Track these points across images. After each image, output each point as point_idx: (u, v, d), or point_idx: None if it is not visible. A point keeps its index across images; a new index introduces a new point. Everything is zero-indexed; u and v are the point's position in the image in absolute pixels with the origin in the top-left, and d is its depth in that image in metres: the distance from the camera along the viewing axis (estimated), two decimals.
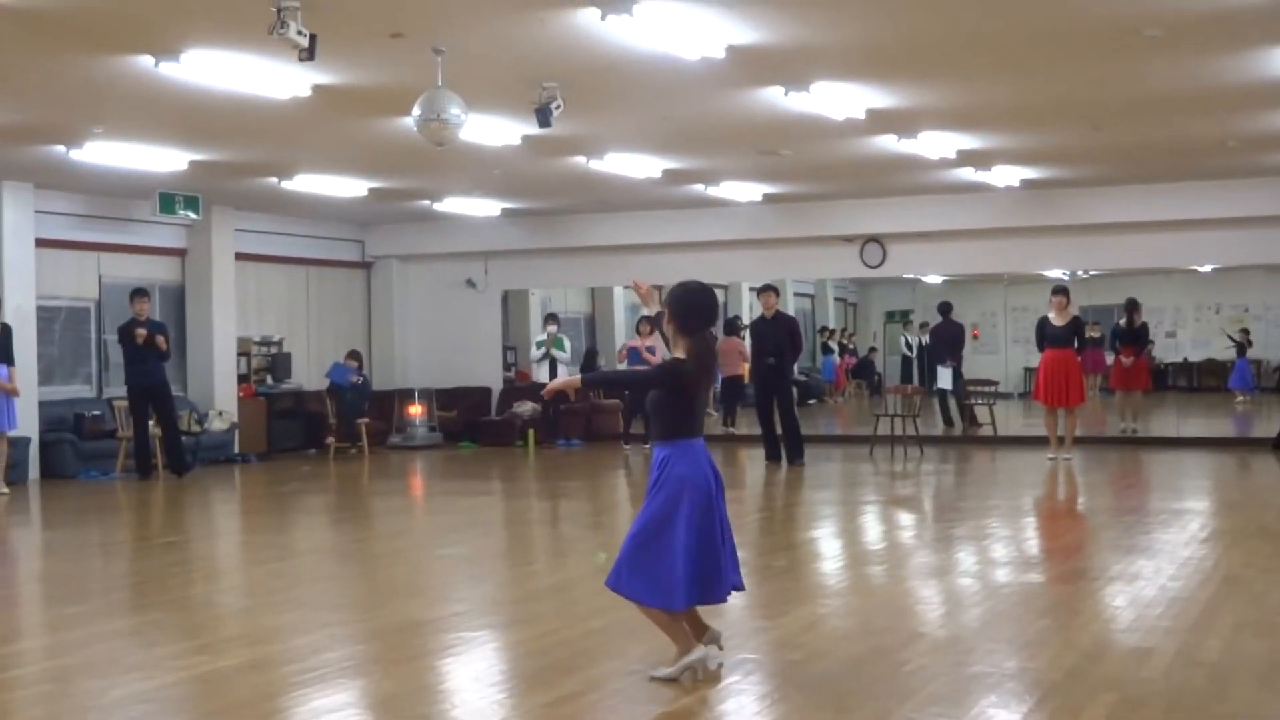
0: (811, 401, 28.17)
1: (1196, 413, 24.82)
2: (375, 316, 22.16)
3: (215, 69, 9.86)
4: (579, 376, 6.31)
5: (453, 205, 18.90)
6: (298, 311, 20.82)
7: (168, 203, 16.60)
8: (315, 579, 9.50)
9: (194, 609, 8.35)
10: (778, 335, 16.19)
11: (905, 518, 12.41)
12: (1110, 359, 21.75)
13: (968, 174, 16.41)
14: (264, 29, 8.14)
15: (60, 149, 13.53)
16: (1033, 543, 10.76)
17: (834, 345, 31.37)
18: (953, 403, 20.85)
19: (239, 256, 19.06)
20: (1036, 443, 17.47)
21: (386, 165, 15.36)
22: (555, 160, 14.87)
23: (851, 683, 5.88)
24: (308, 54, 8.33)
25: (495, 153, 13.79)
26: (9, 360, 14.47)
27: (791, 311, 24.50)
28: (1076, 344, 16.07)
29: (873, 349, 33.51)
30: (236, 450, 18.25)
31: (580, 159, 14.80)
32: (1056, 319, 15.82)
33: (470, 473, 17.20)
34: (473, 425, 20.81)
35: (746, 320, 23.24)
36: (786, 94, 11.17)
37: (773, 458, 16.35)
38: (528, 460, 18.42)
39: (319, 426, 19.47)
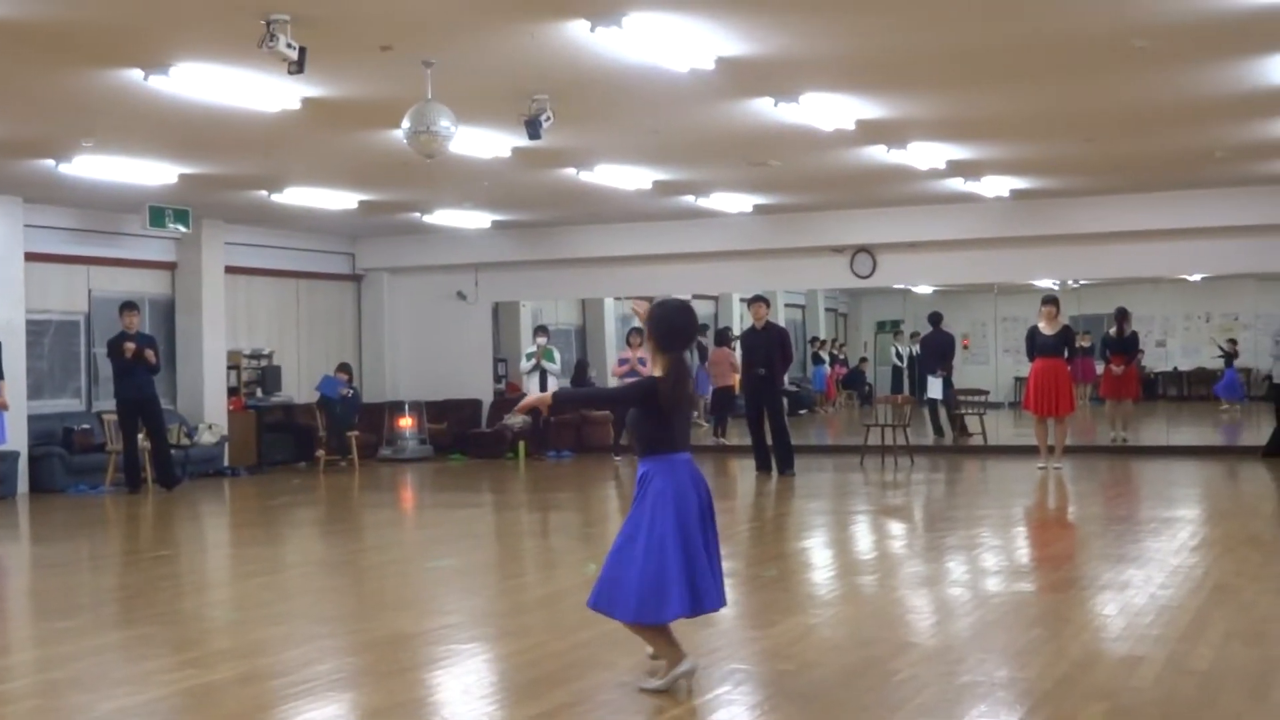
0: (802, 411, 28.18)
1: (1186, 421, 24.88)
2: (365, 329, 22.14)
3: (205, 82, 9.86)
4: (549, 394, 6.41)
5: (443, 218, 18.90)
6: (288, 324, 20.80)
7: (157, 216, 16.60)
8: (305, 592, 9.49)
9: (183, 622, 8.33)
10: (768, 346, 16.21)
11: (896, 527, 12.42)
12: (1100, 368, 21.82)
13: (957, 184, 16.45)
14: (253, 42, 8.15)
15: (50, 162, 13.52)
16: (1023, 552, 10.77)
17: (825, 355, 31.39)
18: (943, 412, 20.87)
19: (229, 269, 19.04)
20: (1027, 452, 17.50)
21: (376, 178, 15.36)
22: (545, 172, 14.87)
23: (842, 693, 5.88)
24: (297, 67, 8.34)
25: (485, 165, 13.80)
26: None
27: (782, 322, 24.49)
28: (1067, 353, 16.11)
29: (863, 359, 33.54)
30: (226, 463, 18.23)
31: (570, 171, 14.82)
32: (1046, 328, 15.85)
33: (460, 485, 17.18)
34: (463, 438, 20.80)
35: (737, 331, 23.27)
36: (776, 105, 11.19)
37: (763, 468, 16.36)
38: (518, 472, 18.41)
39: (309, 439, 19.44)
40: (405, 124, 9.55)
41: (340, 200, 16.82)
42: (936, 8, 8.67)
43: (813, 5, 8.56)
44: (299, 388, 20.34)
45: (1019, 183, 16.82)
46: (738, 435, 20.26)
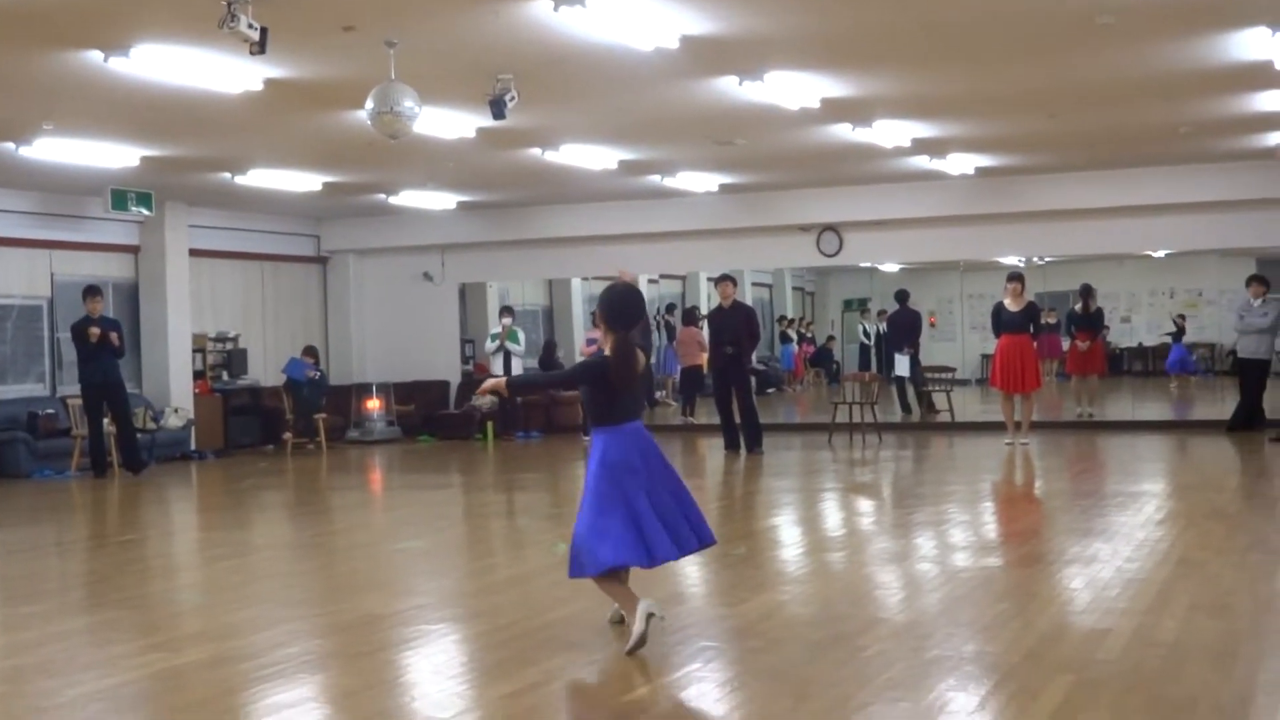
0: (770, 390, 28.26)
1: (1151, 396, 25.05)
2: (331, 311, 22.05)
3: (166, 63, 9.78)
4: (504, 379, 6.84)
5: (408, 199, 18.83)
6: (253, 307, 20.69)
7: (120, 199, 16.47)
8: (273, 575, 9.45)
9: (151, 606, 8.29)
10: (735, 325, 16.23)
11: (864, 504, 12.47)
12: (1066, 344, 21.97)
13: (923, 162, 16.49)
14: (214, 23, 8.08)
15: (9, 146, 13.39)
16: (991, 527, 10.82)
17: (792, 334, 31.48)
18: (910, 389, 20.96)
19: (193, 252, 18.91)
20: (994, 428, 17.58)
21: (341, 159, 15.28)
22: (510, 152, 14.83)
23: (811, 669, 5.90)
24: (259, 48, 8.28)
25: (450, 145, 13.75)
26: None
27: (750, 301, 24.55)
28: (1032, 330, 16.17)
29: (831, 337, 33.69)
30: (193, 447, 18.14)
31: (535, 151, 14.77)
32: (1012, 305, 15.90)
33: (429, 466, 17.16)
34: (431, 419, 20.77)
35: (704, 310, 23.29)
36: (741, 84, 11.19)
37: (731, 446, 16.40)
38: (487, 453, 18.39)
39: (276, 422, 19.37)
40: (369, 105, 9.51)
41: (305, 182, 16.74)
42: None
43: None
44: (265, 370, 20.25)
45: (984, 160, 16.87)
46: (706, 414, 20.29)
